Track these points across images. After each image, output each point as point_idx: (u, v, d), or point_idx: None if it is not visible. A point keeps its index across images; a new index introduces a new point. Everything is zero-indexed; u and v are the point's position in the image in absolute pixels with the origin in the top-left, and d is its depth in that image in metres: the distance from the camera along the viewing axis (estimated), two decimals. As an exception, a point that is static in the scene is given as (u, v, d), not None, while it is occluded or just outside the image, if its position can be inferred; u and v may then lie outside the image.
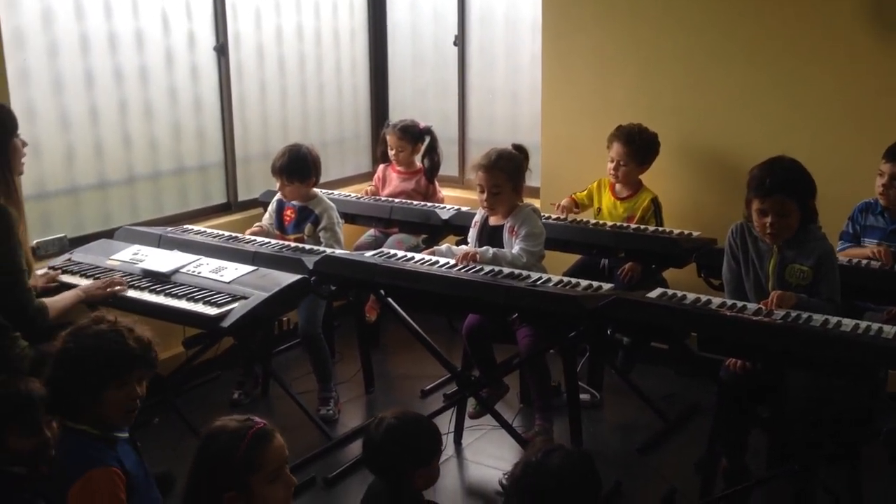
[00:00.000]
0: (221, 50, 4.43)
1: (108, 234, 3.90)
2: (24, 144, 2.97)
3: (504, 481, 1.98)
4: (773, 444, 3.11)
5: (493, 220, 3.55)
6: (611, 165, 3.98)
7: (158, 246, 3.68)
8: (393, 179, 4.72)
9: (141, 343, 2.17)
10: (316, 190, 4.07)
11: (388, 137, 4.68)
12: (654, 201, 3.96)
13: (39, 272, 3.45)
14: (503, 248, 3.43)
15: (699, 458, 3.32)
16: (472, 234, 3.62)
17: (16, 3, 3.58)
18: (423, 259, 3.37)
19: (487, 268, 3.25)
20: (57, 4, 3.73)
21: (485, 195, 3.43)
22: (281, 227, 4.07)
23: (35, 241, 3.69)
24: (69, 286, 3.29)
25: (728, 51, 3.99)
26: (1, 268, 2.78)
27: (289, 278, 3.25)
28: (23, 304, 2.84)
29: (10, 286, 2.80)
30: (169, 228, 3.96)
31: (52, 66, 3.76)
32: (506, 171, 3.41)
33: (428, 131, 4.67)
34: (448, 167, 5.22)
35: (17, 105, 3.48)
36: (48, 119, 3.78)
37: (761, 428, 3.06)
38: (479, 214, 3.62)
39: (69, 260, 3.59)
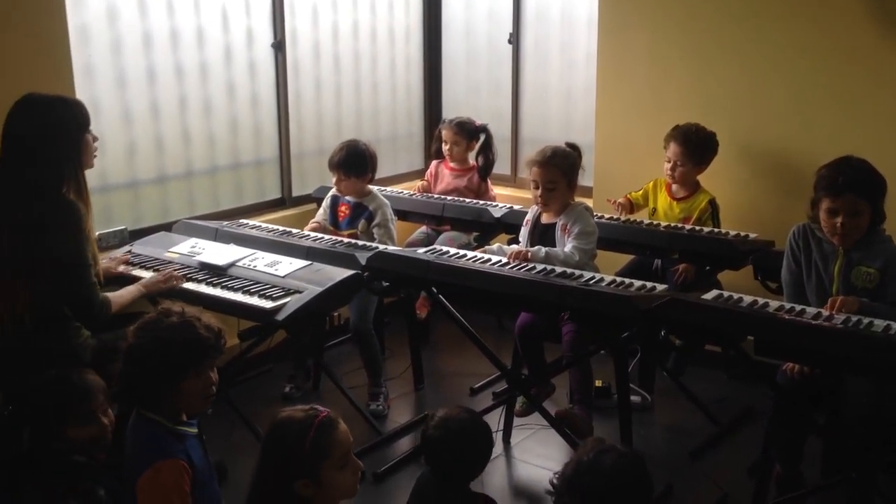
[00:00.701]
0: (279, 47, 4.48)
1: (167, 228, 3.98)
2: (95, 139, 3.02)
3: (555, 481, 1.97)
4: (828, 450, 3.05)
5: (545, 219, 3.53)
6: (667, 166, 3.93)
7: (215, 239, 3.74)
8: (445, 176, 4.74)
9: (211, 331, 2.21)
10: (371, 187, 4.11)
11: (443, 132, 4.70)
12: (712, 203, 3.89)
13: (117, 253, 3.59)
14: (555, 246, 3.42)
15: (752, 462, 3.28)
16: (524, 232, 3.61)
17: (82, 0, 3.66)
18: (476, 256, 3.37)
19: (540, 266, 3.24)
20: (121, 2, 3.81)
21: (539, 191, 3.42)
22: (335, 223, 4.11)
23: (97, 233, 3.76)
24: (129, 277, 3.36)
25: (785, 50, 3.92)
26: (69, 262, 2.84)
27: (342, 273, 3.27)
28: (88, 297, 2.90)
29: (78, 281, 2.86)
30: (225, 222, 4.02)
31: (116, 62, 3.84)
32: (560, 168, 3.40)
33: (483, 129, 4.69)
34: (500, 165, 5.21)
35: (82, 100, 3.55)
36: (111, 114, 3.86)
37: (817, 434, 3.00)
38: (531, 212, 3.61)
39: (129, 252, 3.66)
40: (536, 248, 3.37)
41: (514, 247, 3.46)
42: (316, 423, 2.00)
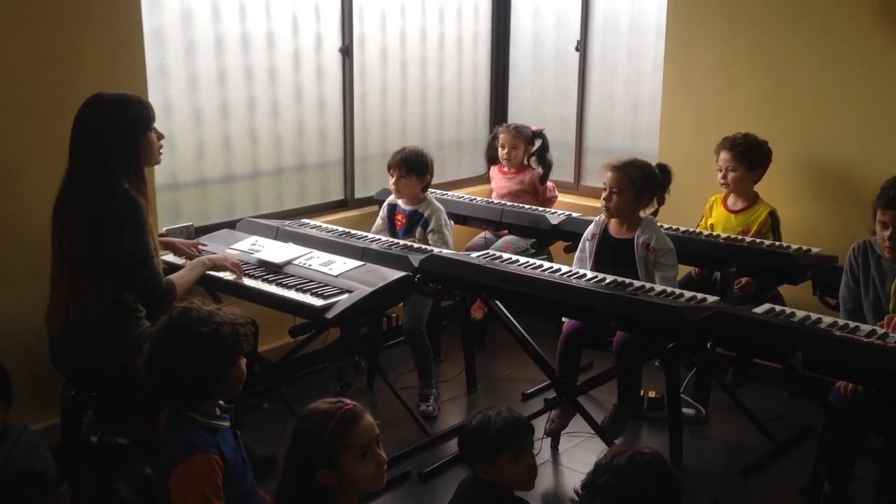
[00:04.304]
0: (346, 52, 4.57)
1: (231, 225, 4.10)
2: (161, 137, 3.11)
3: (578, 489, 1.97)
4: (884, 472, 2.96)
5: (615, 233, 3.50)
6: (720, 175, 3.90)
7: (275, 238, 3.84)
8: (499, 180, 4.79)
9: (233, 324, 2.23)
10: (426, 193, 4.17)
11: (501, 136, 4.75)
12: (772, 214, 3.82)
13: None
14: (632, 261, 3.39)
15: (804, 483, 3.20)
16: (589, 247, 3.56)
17: (158, 4, 3.81)
18: (527, 262, 3.38)
19: (591, 273, 3.24)
20: (196, 6, 3.95)
21: (605, 193, 3.43)
22: (393, 233, 4.17)
23: (165, 229, 3.91)
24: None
25: (853, 66, 3.83)
26: (133, 254, 2.94)
27: (393, 275, 3.32)
28: (153, 285, 3.01)
29: (143, 271, 2.96)
30: (287, 222, 4.12)
31: (189, 64, 3.98)
32: (631, 177, 3.39)
33: (540, 134, 4.72)
34: (564, 173, 5.22)
35: (154, 100, 3.66)
36: (183, 114, 4.00)
37: (869, 456, 2.92)
38: (596, 226, 3.57)
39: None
40: None
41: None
42: (338, 415, 2.04)
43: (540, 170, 4.76)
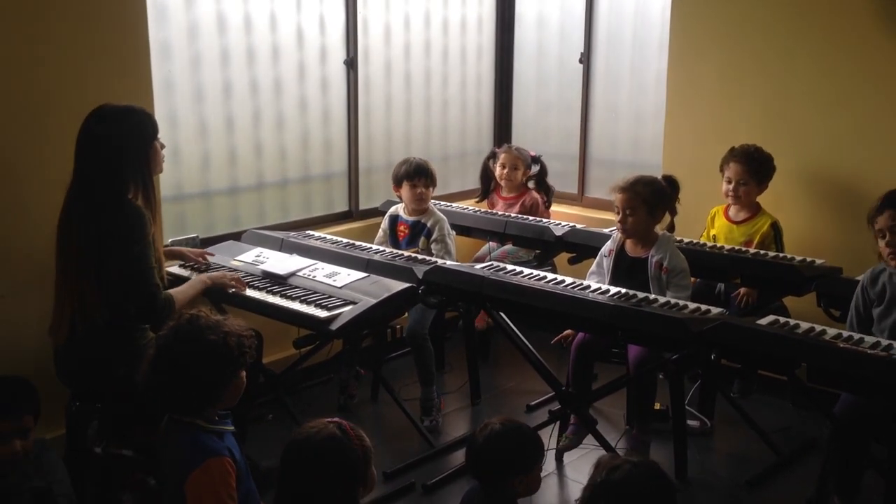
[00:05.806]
0: (351, 64, 4.59)
1: (236, 237, 4.11)
2: (163, 146, 3.14)
3: None
4: (890, 485, 2.94)
5: (631, 251, 3.50)
6: (728, 187, 3.89)
7: (280, 249, 3.85)
8: (500, 206, 4.77)
9: (239, 335, 2.25)
10: (429, 203, 4.18)
11: (502, 155, 4.72)
12: (775, 226, 3.83)
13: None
14: (646, 279, 3.40)
15: (810, 495, 3.19)
16: (606, 263, 3.57)
17: (165, 18, 3.83)
18: (532, 273, 3.38)
19: (595, 285, 3.24)
20: (202, 19, 3.98)
21: (620, 216, 3.43)
22: (395, 244, 4.18)
23: (170, 240, 3.92)
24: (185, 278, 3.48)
25: (854, 77, 3.84)
26: (134, 265, 2.94)
27: (397, 286, 3.32)
28: (151, 297, 3.00)
29: (141, 282, 2.96)
30: (291, 233, 4.13)
31: (195, 76, 4.00)
32: (642, 195, 3.40)
33: (537, 160, 4.74)
34: (568, 185, 5.23)
35: (160, 113, 3.72)
36: (188, 127, 4.01)
37: (875, 469, 2.91)
38: (613, 242, 3.58)
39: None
40: None
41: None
42: (351, 432, 2.08)
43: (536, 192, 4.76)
